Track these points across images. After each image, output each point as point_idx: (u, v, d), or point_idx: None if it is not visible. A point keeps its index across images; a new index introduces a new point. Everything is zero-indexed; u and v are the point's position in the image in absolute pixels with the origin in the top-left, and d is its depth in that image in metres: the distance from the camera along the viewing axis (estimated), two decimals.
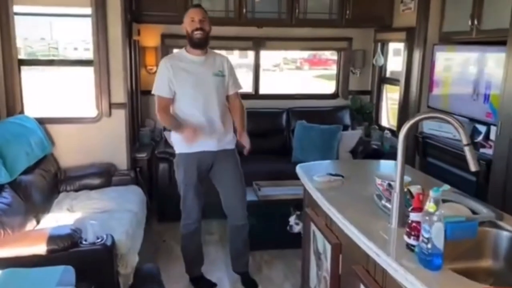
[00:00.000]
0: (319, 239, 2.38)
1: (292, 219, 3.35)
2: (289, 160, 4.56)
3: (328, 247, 2.21)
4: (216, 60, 3.02)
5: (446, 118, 1.67)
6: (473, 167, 1.62)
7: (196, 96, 2.90)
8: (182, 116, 2.92)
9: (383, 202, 1.89)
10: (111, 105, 3.81)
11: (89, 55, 3.84)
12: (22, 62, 3.76)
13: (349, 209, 2.04)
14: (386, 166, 2.79)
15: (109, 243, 2.49)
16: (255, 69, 5.12)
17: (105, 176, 3.73)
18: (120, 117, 3.85)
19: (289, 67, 12.62)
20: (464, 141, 1.63)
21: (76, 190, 3.59)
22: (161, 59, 3.02)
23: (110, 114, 3.82)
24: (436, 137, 3.91)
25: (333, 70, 5.42)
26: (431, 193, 1.45)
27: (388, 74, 5.13)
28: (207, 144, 2.92)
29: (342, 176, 2.45)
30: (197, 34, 2.85)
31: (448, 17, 3.85)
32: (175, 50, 4.76)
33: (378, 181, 2.16)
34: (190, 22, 2.87)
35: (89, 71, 3.83)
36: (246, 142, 3.09)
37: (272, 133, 4.92)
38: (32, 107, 3.96)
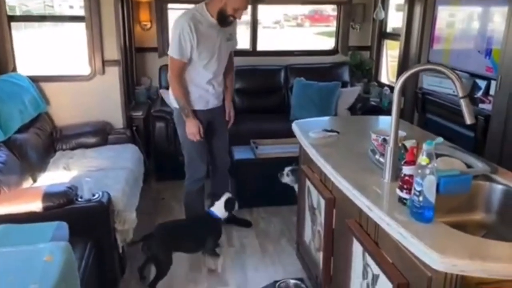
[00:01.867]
0: (314, 195, 2.38)
1: (286, 169, 3.34)
2: (287, 118, 4.51)
3: (322, 202, 2.21)
4: None
5: (443, 70, 1.62)
6: (468, 120, 1.59)
7: (210, 65, 2.87)
8: (188, 82, 2.89)
9: (377, 156, 1.87)
10: (104, 62, 3.74)
11: (83, 12, 3.73)
12: (12, 18, 3.66)
13: (343, 164, 2.03)
14: (383, 122, 2.75)
15: (105, 200, 2.49)
16: (253, 25, 5.00)
17: (101, 134, 3.71)
18: (114, 74, 3.79)
19: (290, 24, 12.30)
20: (460, 94, 1.59)
21: (72, 149, 3.58)
22: (180, 17, 2.78)
23: (103, 71, 3.76)
24: (436, 93, 3.85)
25: (334, 27, 5.28)
26: (424, 146, 1.42)
27: (389, 30, 5.01)
28: (211, 103, 3.00)
29: (338, 132, 2.42)
30: (231, 19, 2.79)
31: None
32: (170, 5, 4.67)
33: (374, 136, 2.13)
34: (237, 9, 2.71)
35: (82, 27, 3.73)
36: (232, 117, 3.21)
37: (269, 91, 4.86)
38: (25, 65, 3.88)
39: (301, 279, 2.75)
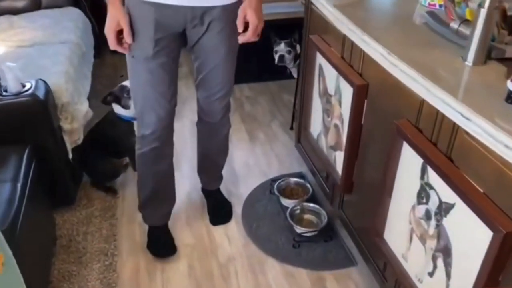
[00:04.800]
0: (330, 77, 1.76)
1: (282, 47, 2.65)
2: None
3: (347, 88, 1.60)
4: None
5: None
6: None
7: None
8: None
9: (453, 25, 1.21)
10: None
11: None
12: None
13: (387, 34, 1.37)
14: None
15: (40, 91, 1.79)
16: None
17: None
18: None
19: None
20: None
21: None
22: None
23: None
24: None
25: None
26: None
27: None
28: None
29: None
30: None
31: None
32: None
33: None
34: None
35: None
36: (254, 26, 1.51)
37: None
38: None
39: (300, 174, 2.28)
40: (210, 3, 1.48)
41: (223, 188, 2.19)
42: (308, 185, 2.16)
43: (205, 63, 1.66)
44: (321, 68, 1.85)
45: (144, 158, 1.73)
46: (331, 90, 1.77)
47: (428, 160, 1.19)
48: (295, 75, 2.71)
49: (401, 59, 1.20)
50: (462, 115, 1.02)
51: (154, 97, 1.60)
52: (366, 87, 1.51)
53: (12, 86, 1.75)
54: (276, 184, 2.16)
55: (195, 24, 1.52)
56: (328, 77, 1.78)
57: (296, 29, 2.67)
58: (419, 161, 1.23)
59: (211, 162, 2.04)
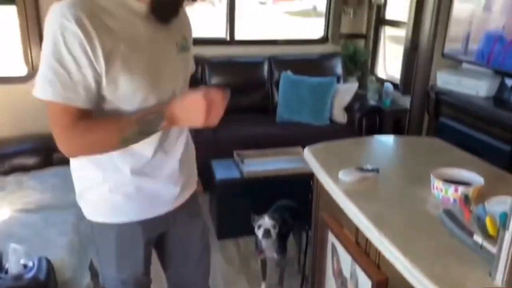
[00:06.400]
0: (345, 260, 1.70)
1: (266, 221, 2.40)
2: (273, 120, 3.84)
3: (364, 277, 1.53)
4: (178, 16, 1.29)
5: None
6: None
7: (150, 94, 1.24)
8: (92, 160, 1.36)
9: (477, 239, 1.18)
10: None
11: None
12: None
13: (405, 239, 1.34)
14: (431, 147, 2.09)
15: (42, 272, 1.72)
16: (230, 9, 4.20)
17: (43, 152, 2.89)
18: None
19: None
20: None
21: (6, 173, 2.75)
22: (56, 6, 1.11)
23: None
24: (453, 94, 3.23)
25: (301, 3, 4.57)
26: None
27: (388, 16, 4.32)
28: (160, 200, 1.39)
29: (377, 171, 1.73)
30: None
31: None
32: None
33: (438, 183, 1.47)
34: None
35: (12, 12, 2.86)
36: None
37: (251, 87, 4.12)
38: None
39: None
40: (188, 193, 1.49)
41: None
42: None
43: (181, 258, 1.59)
44: (334, 248, 1.80)
45: None
46: (346, 272, 1.70)
47: None
48: (275, 255, 2.54)
49: (426, 276, 1.15)
50: None
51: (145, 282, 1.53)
52: (385, 282, 1.44)
53: (14, 268, 1.69)
54: None
55: (177, 225, 1.50)
56: (343, 259, 1.72)
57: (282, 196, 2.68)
58: None
59: None
